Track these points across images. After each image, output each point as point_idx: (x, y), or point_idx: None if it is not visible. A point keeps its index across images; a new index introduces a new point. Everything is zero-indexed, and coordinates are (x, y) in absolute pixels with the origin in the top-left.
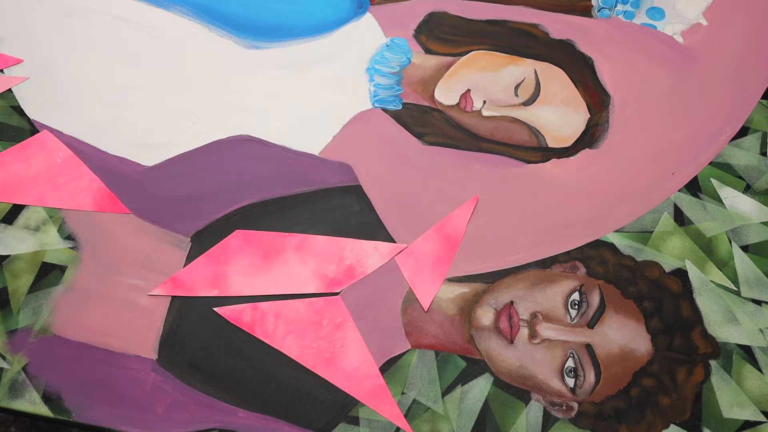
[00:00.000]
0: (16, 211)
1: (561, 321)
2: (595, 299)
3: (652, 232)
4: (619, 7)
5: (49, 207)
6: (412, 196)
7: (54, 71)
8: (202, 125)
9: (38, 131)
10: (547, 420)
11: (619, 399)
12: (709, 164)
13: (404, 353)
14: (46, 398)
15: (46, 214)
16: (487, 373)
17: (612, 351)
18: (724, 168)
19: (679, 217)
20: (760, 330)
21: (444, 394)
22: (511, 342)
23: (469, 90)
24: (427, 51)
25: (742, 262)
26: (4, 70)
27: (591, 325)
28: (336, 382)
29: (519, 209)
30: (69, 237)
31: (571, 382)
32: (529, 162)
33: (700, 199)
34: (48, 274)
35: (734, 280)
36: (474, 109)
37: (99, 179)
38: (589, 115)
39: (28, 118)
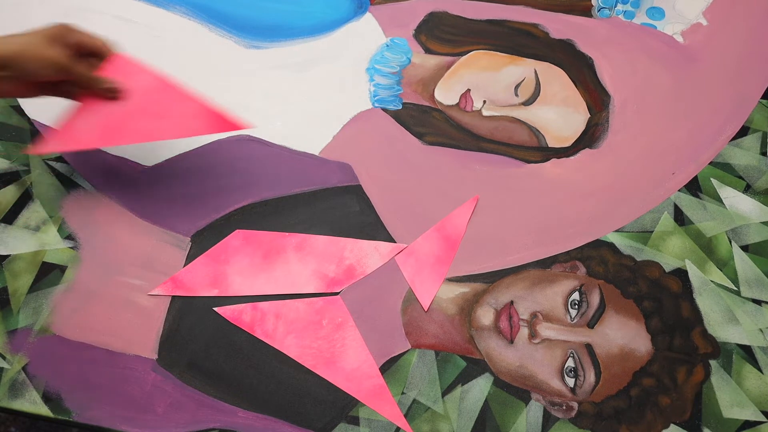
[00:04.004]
0: (16, 210)
1: (561, 321)
2: (595, 299)
3: (652, 231)
4: (619, 7)
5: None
6: (412, 196)
7: None
8: None
9: (38, 131)
10: (547, 420)
11: (619, 399)
12: (709, 164)
13: (404, 353)
14: (46, 398)
15: (46, 213)
16: (487, 373)
17: (612, 351)
18: (724, 168)
19: (679, 217)
20: (760, 330)
21: (444, 394)
22: (511, 342)
23: (469, 90)
24: (427, 51)
25: (742, 262)
26: None
27: (591, 324)
28: (336, 382)
29: (519, 209)
30: (69, 237)
31: (571, 381)
32: (529, 162)
33: (700, 199)
34: (48, 273)
35: (734, 279)
36: (474, 108)
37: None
38: (589, 115)
39: (28, 118)
